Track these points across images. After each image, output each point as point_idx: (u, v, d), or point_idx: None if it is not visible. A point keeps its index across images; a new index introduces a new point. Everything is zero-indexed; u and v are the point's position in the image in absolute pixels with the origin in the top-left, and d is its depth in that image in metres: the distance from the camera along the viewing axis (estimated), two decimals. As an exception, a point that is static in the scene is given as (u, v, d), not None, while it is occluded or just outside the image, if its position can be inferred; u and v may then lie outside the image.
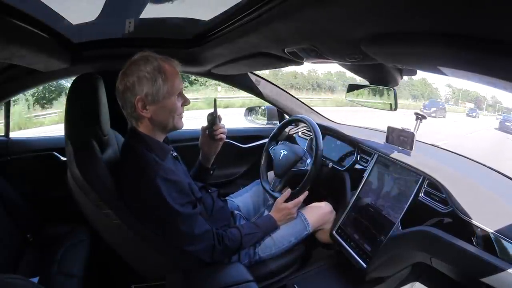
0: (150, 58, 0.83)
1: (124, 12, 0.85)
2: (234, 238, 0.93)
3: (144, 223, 0.85)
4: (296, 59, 0.83)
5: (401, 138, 1.04)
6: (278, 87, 1.56)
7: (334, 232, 1.13)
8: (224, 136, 1.09)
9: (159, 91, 0.83)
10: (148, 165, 0.82)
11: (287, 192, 1.10)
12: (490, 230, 0.72)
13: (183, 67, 0.91)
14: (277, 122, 1.68)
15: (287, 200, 1.08)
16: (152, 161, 0.83)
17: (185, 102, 0.90)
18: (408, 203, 0.94)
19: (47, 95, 9.64)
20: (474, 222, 0.75)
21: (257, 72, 1.47)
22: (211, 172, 1.17)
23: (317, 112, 1.64)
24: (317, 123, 1.19)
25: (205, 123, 1.10)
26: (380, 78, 0.95)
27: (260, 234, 1.01)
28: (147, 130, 0.87)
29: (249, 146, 1.68)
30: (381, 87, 1.00)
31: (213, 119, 1.07)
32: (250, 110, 1.80)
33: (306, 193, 1.11)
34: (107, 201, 0.83)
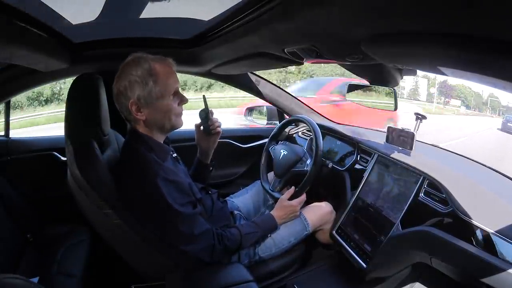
0: (141, 60, 0.83)
1: (124, 12, 0.85)
2: (234, 237, 0.93)
3: (144, 223, 0.85)
4: (296, 59, 0.83)
5: (401, 138, 1.04)
6: (278, 87, 1.56)
7: (334, 232, 1.13)
8: (220, 129, 1.09)
9: (151, 93, 0.82)
10: (149, 165, 0.82)
11: (292, 189, 1.10)
12: (490, 230, 0.72)
13: (183, 67, 0.91)
14: (277, 122, 1.68)
15: (291, 198, 1.08)
16: (153, 161, 0.83)
17: (182, 101, 0.89)
18: (408, 203, 0.94)
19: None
20: (474, 222, 0.75)
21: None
22: (211, 168, 1.17)
23: (317, 112, 1.64)
24: (317, 123, 1.19)
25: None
26: (380, 78, 0.95)
27: (260, 233, 1.00)
28: (146, 131, 0.87)
29: (249, 146, 1.68)
30: (381, 87, 1.00)
31: (206, 114, 1.07)
32: (250, 110, 1.80)
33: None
34: (107, 201, 0.83)
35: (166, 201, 0.80)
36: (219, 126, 1.09)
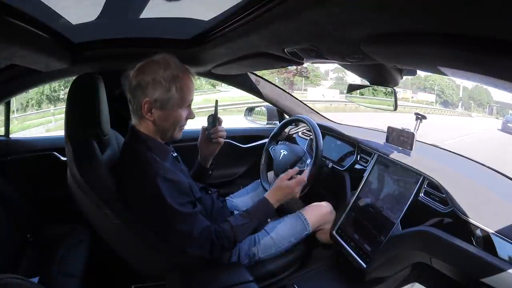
0: (172, 64, 0.83)
1: (124, 12, 0.85)
2: (227, 232, 0.88)
3: (144, 222, 0.85)
4: (296, 59, 0.83)
5: (401, 138, 1.04)
6: (278, 87, 1.56)
7: (334, 232, 1.13)
8: (222, 140, 1.07)
9: (170, 100, 0.82)
10: (148, 164, 0.82)
11: (294, 170, 1.03)
12: (490, 230, 0.72)
13: None
14: (277, 122, 1.68)
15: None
16: (152, 161, 0.83)
17: (190, 115, 0.90)
18: (408, 203, 0.94)
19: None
20: (474, 222, 0.75)
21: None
22: (210, 172, 1.17)
23: (317, 112, 1.64)
24: (317, 123, 1.19)
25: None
26: (380, 78, 0.95)
27: (255, 220, 0.94)
28: (147, 130, 0.87)
29: (249, 146, 1.68)
30: (381, 87, 1.00)
31: (213, 121, 1.06)
32: (250, 110, 1.80)
33: (306, 172, 1.05)
34: (107, 201, 0.83)
35: (165, 200, 0.80)
36: (222, 137, 1.07)
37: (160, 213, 0.82)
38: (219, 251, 0.89)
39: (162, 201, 0.80)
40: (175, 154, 1.00)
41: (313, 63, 0.90)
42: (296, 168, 1.06)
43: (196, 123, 1.16)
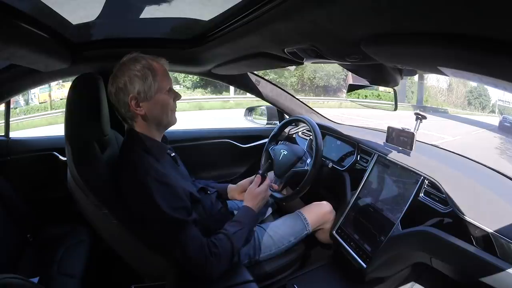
0: (138, 57, 0.85)
1: (124, 12, 0.85)
2: (223, 242, 0.86)
3: (140, 223, 0.85)
4: (296, 59, 0.83)
5: (401, 138, 1.04)
6: (278, 87, 1.56)
7: (334, 232, 1.13)
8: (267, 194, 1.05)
9: (151, 87, 0.84)
10: (142, 166, 0.81)
11: (258, 177, 1.06)
12: (490, 230, 0.72)
13: (183, 67, 0.91)
14: (277, 122, 1.68)
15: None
16: (146, 163, 0.82)
17: (177, 97, 0.91)
18: (408, 203, 0.94)
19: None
20: (474, 222, 0.75)
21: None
22: None
23: (317, 112, 1.64)
24: (317, 123, 1.19)
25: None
26: (380, 78, 0.95)
27: (246, 227, 0.93)
28: (143, 129, 0.87)
29: (249, 146, 1.68)
30: (381, 87, 1.00)
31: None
32: (250, 110, 1.80)
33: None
34: (106, 201, 0.83)
35: (157, 204, 0.77)
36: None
37: (151, 217, 0.79)
38: (216, 265, 0.82)
39: (154, 205, 0.77)
40: (173, 154, 0.99)
41: (313, 63, 0.90)
42: (259, 176, 1.07)
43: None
